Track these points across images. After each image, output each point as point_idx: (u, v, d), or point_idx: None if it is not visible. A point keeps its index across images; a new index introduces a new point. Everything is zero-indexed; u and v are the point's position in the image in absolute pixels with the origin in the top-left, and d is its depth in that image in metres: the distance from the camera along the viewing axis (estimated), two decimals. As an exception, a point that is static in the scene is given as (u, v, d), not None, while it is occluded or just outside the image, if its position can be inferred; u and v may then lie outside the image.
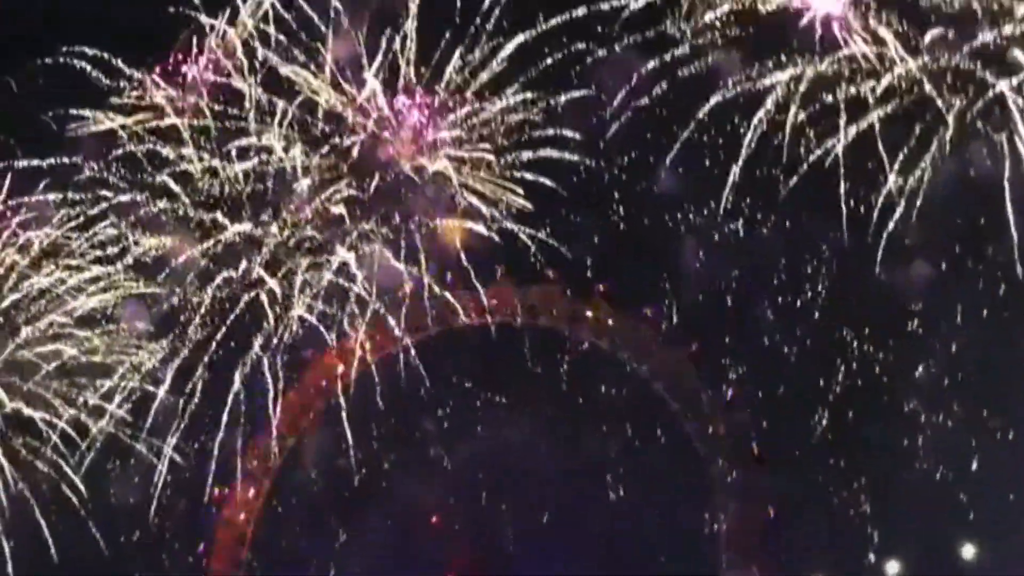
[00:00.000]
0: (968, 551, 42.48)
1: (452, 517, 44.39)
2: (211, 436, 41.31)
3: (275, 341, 41.11)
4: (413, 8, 40.27)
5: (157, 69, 41.19)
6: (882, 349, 42.59)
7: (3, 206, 41.05)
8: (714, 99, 39.91)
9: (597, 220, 42.69)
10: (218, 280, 41.19)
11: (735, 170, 39.97)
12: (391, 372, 41.88)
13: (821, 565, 42.90)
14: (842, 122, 39.05)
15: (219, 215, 41.21)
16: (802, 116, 39.38)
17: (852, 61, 39.05)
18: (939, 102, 38.78)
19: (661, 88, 40.16)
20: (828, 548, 42.76)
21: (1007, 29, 38.26)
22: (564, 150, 41.05)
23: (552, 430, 43.85)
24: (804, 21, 39.25)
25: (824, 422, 42.39)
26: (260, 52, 40.60)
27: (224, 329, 41.23)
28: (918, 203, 39.36)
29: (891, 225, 39.52)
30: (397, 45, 40.39)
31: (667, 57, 40.01)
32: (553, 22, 40.37)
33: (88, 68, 40.87)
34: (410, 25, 40.28)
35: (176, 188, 41.18)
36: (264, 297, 41.04)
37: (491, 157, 40.96)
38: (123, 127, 41.07)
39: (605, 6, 40.00)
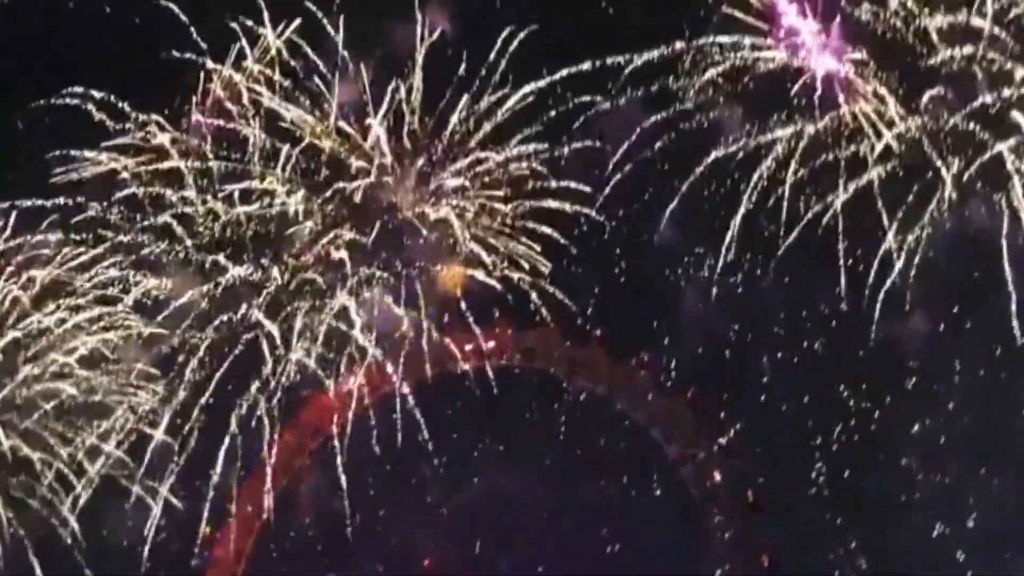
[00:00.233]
0: (964, 608, 42.55)
1: (445, 562, 44.24)
2: (205, 481, 41.27)
3: (272, 384, 41.14)
4: (419, 57, 40.72)
5: (164, 111, 41.42)
6: (879, 405, 42.76)
7: (5, 244, 41.17)
8: (715, 153, 40.40)
9: (597, 268, 42.84)
10: (216, 322, 41.26)
11: (735, 224, 40.37)
12: (387, 415, 41.89)
13: (815, 615, 42.98)
14: (841, 180, 39.51)
15: (221, 257, 41.33)
16: (802, 172, 39.83)
17: (852, 119, 39.53)
18: (938, 162, 39.32)
19: (664, 141, 40.62)
20: (823, 599, 42.87)
21: (1006, 91, 38.84)
22: (567, 201, 41.41)
23: (547, 475, 43.77)
24: (804, 79, 39.80)
25: (821, 477, 42.53)
26: (265, 96, 40.86)
27: (222, 371, 41.25)
28: (916, 260, 39.81)
29: (889, 282, 39.98)
30: (403, 93, 40.77)
31: (670, 111, 40.53)
32: (558, 75, 40.84)
33: (92, 109, 41.05)
34: (416, 74, 40.65)
35: (178, 230, 41.30)
36: (263, 340, 41.11)
37: (498, 205, 41.23)
38: (126, 168, 41.23)
39: (610, 60, 40.52)
